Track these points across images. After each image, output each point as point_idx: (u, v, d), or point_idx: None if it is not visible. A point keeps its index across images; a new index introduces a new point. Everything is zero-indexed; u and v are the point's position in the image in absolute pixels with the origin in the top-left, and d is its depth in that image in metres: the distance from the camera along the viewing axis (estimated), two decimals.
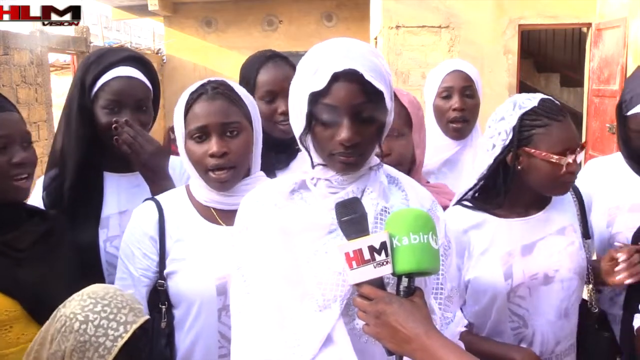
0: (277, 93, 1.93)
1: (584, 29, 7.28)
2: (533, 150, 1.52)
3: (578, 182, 1.98)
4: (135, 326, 1.20)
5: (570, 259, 1.61)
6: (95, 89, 1.71)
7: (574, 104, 9.23)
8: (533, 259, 1.59)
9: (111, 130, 1.70)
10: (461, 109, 2.14)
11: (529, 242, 1.60)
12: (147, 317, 1.26)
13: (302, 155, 1.95)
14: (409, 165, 1.70)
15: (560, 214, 1.65)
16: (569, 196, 1.68)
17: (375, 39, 7.86)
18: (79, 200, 1.70)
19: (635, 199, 1.85)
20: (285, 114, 1.88)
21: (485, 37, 6.75)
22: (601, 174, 1.96)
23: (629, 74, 6.29)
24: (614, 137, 6.26)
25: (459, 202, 1.66)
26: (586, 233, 1.68)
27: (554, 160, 1.49)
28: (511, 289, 1.57)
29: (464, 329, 1.27)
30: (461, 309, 1.61)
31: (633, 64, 5.82)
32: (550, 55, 10.16)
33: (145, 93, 1.77)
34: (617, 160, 1.96)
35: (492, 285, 1.57)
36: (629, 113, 1.79)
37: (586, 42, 7.12)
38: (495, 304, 1.58)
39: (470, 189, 1.65)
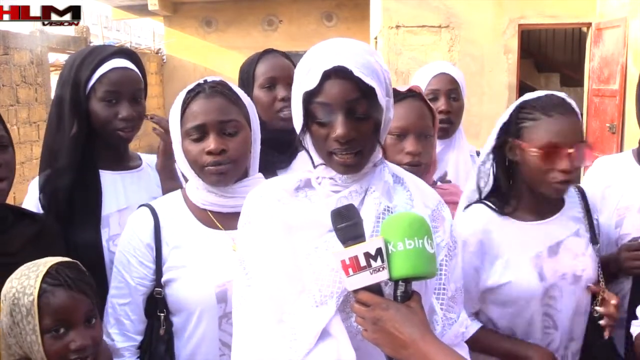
0: (277, 80, 1.94)
1: (584, 29, 7.28)
2: (519, 142, 1.54)
3: (586, 182, 1.98)
4: (53, 261, 1.28)
5: (591, 259, 1.62)
6: (92, 82, 1.70)
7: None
8: (560, 259, 1.60)
9: (111, 124, 1.70)
10: (447, 111, 2.16)
11: (553, 243, 1.60)
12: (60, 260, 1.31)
13: (303, 155, 1.96)
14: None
15: (573, 218, 1.65)
16: (577, 201, 1.68)
17: (376, 38, 7.86)
18: (77, 200, 1.69)
19: None
20: (285, 99, 1.89)
21: (485, 37, 6.75)
22: (610, 173, 1.94)
23: (629, 74, 6.28)
24: (614, 137, 6.28)
25: (480, 201, 1.66)
26: (594, 238, 1.66)
27: (533, 154, 1.50)
28: (545, 290, 1.57)
29: (466, 329, 1.27)
30: (477, 312, 1.63)
31: (633, 64, 5.82)
32: (550, 55, 10.16)
33: (140, 84, 1.77)
34: (626, 159, 1.94)
35: (527, 287, 1.57)
36: None
37: (586, 41, 7.11)
38: (530, 306, 1.58)
39: (491, 190, 1.67)
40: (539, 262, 1.58)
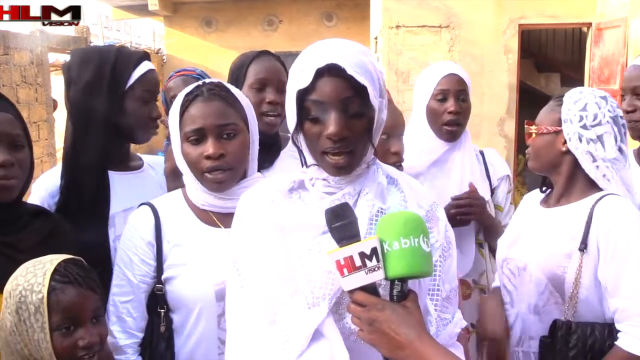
0: (267, 82, 1.94)
1: (584, 29, 7.27)
2: None
3: None
4: (59, 259, 1.29)
5: (546, 260, 1.61)
6: (131, 82, 1.75)
7: None
8: (529, 242, 1.68)
9: (147, 123, 1.78)
10: (456, 112, 2.16)
11: (531, 230, 1.71)
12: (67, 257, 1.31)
13: (286, 155, 1.97)
14: None
15: (572, 217, 1.62)
16: (589, 207, 1.59)
17: (376, 38, 7.86)
18: (87, 200, 1.71)
19: None
20: (273, 103, 1.91)
21: (486, 37, 6.74)
22: None
23: None
24: None
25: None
26: (583, 246, 1.57)
27: None
28: (505, 259, 1.77)
29: (461, 330, 1.27)
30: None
31: None
32: (550, 55, 10.14)
33: None
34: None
35: (500, 244, 1.83)
36: None
37: (586, 41, 7.11)
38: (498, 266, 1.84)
39: None
40: (516, 238, 1.75)
